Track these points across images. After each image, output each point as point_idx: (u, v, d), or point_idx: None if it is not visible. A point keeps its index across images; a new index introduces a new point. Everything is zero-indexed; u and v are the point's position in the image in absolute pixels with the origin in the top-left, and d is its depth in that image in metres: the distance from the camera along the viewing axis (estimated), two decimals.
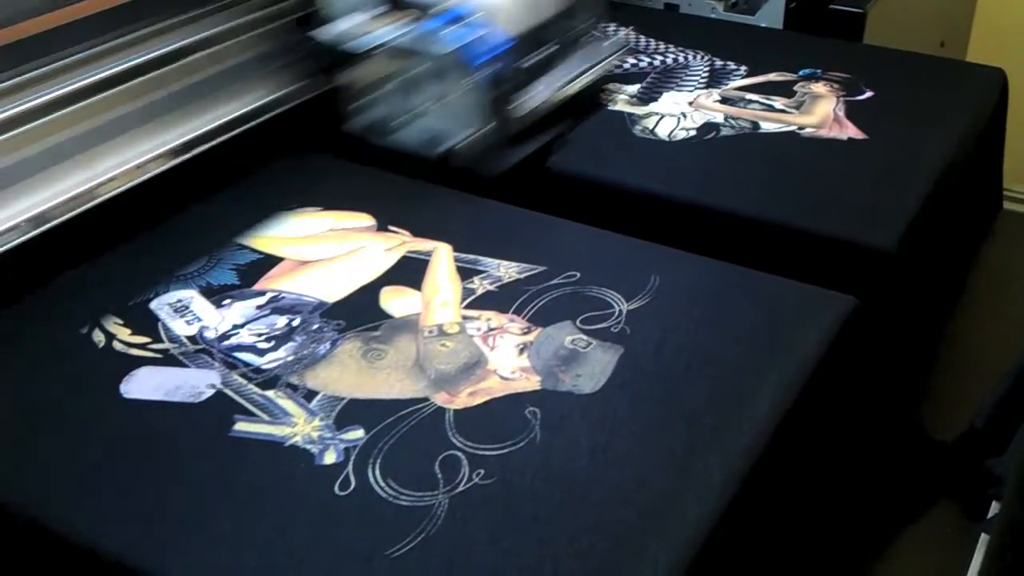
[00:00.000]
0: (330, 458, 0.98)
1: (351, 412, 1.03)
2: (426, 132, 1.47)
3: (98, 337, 1.15)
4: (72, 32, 1.29)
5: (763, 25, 1.93)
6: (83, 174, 1.30)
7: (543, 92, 1.50)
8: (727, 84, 1.68)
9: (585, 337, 1.13)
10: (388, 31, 1.43)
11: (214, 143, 1.43)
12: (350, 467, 0.97)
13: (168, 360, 1.11)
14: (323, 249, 1.29)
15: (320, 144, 1.56)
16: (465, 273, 1.24)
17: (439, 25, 1.40)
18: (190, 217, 1.37)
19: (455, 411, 1.03)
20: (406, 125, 1.48)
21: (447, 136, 1.45)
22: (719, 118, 1.57)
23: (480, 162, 1.44)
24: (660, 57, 1.78)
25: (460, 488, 0.94)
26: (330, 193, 1.41)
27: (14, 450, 1.02)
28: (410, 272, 1.24)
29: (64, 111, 1.27)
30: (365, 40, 1.43)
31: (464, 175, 1.43)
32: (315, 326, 1.16)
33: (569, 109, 1.56)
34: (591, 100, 1.62)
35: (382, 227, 1.33)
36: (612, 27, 1.80)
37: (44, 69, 1.25)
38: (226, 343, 1.13)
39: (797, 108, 1.60)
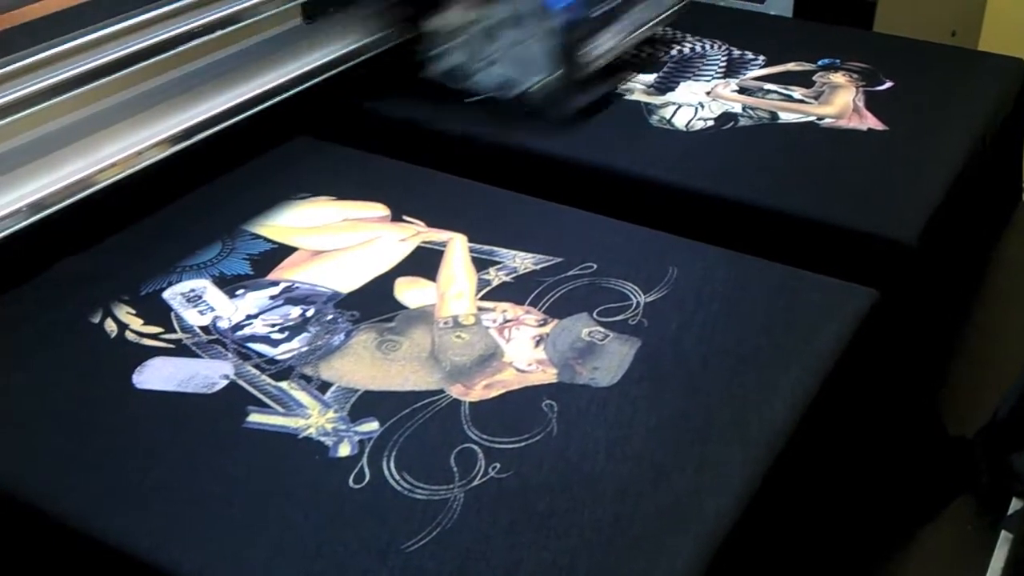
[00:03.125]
0: (344, 450, 0.97)
1: (365, 404, 1.02)
2: (501, 77, 1.56)
3: (110, 327, 1.14)
4: (76, 16, 1.28)
5: (772, 13, 1.91)
6: (86, 160, 1.29)
7: (609, 41, 1.56)
8: (745, 74, 1.66)
9: (602, 329, 1.12)
10: None
11: (231, 123, 1.43)
12: (365, 460, 0.96)
13: (181, 350, 1.10)
14: (337, 239, 1.28)
15: (336, 129, 1.56)
16: (480, 264, 1.23)
17: None
18: (197, 205, 1.36)
19: (471, 403, 1.02)
20: (482, 71, 1.56)
21: (520, 81, 1.54)
22: (737, 108, 1.56)
23: (551, 105, 1.52)
24: (677, 47, 1.77)
25: (476, 482, 0.93)
26: (344, 182, 1.40)
27: (26, 440, 1.01)
28: (425, 263, 1.23)
29: (66, 95, 1.25)
30: None
31: (536, 116, 1.52)
32: (329, 317, 1.15)
33: (631, 60, 1.66)
34: (649, 55, 1.72)
35: (396, 217, 1.32)
36: None
37: (55, 51, 1.24)
38: (239, 333, 1.12)
39: (816, 98, 1.58)
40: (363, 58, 1.63)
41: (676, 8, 1.72)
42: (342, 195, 1.37)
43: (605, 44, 1.56)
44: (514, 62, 1.54)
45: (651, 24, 1.67)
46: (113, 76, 1.29)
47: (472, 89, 1.58)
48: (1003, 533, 1.21)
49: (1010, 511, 1.25)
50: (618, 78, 1.62)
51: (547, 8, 1.48)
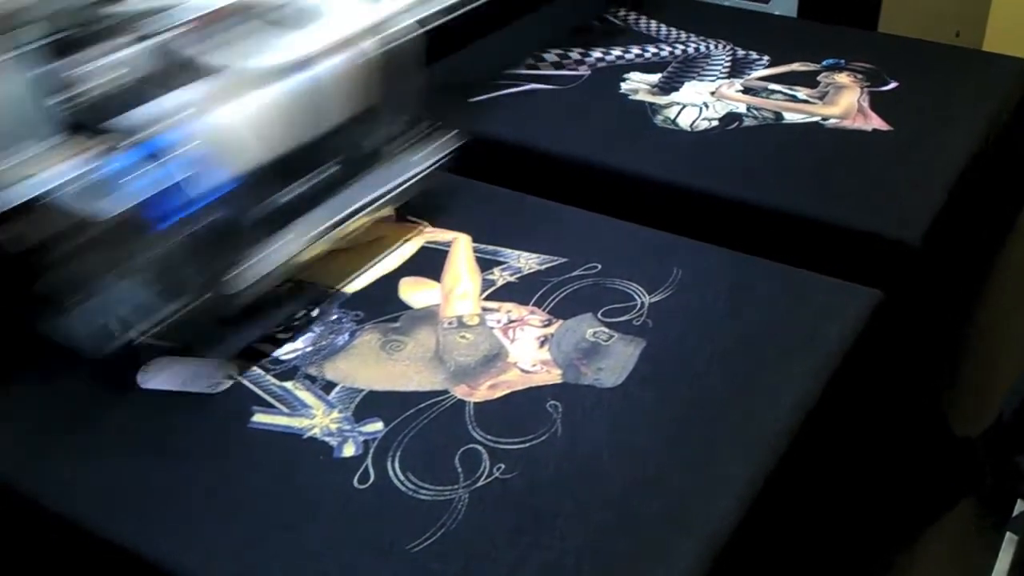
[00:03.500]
0: (349, 451, 0.97)
1: (370, 404, 1.02)
2: (103, 314, 1.04)
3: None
4: None
5: (777, 13, 1.91)
6: None
7: (288, 245, 1.09)
8: (749, 74, 1.66)
9: (607, 330, 1.12)
10: (60, 173, 0.98)
11: None
12: (369, 460, 0.96)
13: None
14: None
15: None
16: (485, 264, 1.23)
17: (130, 164, 0.98)
18: None
19: (475, 404, 1.02)
20: (79, 305, 1.04)
21: (131, 320, 1.05)
22: (742, 108, 1.56)
23: (198, 341, 1.09)
24: (681, 46, 1.77)
25: (481, 482, 0.93)
26: None
27: (31, 439, 1.01)
28: (429, 263, 1.23)
29: None
30: (23, 188, 0.97)
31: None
32: (333, 317, 1.15)
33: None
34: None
35: (401, 217, 1.32)
36: (435, 125, 1.32)
37: None
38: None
39: (821, 99, 1.58)
40: None
41: (410, 184, 1.24)
42: None
43: (284, 249, 1.09)
44: (123, 293, 1.04)
45: (365, 210, 1.18)
46: None
47: (61, 335, 1.04)
48: (1008, 535, 1.21)
49: (1015, 512, 1.25)
50: (299, 304, 1.16)
51: (162, 217, 0.98)
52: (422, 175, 1.24)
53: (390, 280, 1.20)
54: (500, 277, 1.20)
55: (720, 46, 1.76)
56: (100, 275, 1.02)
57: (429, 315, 1.14)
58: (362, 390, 1.04)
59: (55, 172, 0.97)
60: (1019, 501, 1.26)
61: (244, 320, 1.09)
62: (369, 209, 1.17)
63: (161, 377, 1.07)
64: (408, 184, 1.22)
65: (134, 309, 1.04)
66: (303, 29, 1.13)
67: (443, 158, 1.27)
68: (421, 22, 1.25)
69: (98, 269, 1.02)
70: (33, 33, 0.99)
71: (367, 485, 0.93)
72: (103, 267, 1.01)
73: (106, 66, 1.00)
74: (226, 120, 1.04)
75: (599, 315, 1.14)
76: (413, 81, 1.24)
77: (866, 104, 1.56)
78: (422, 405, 1.02)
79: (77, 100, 1.00)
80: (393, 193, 1.20)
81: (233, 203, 1.03)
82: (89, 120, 1.00)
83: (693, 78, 1.66)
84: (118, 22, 1.02)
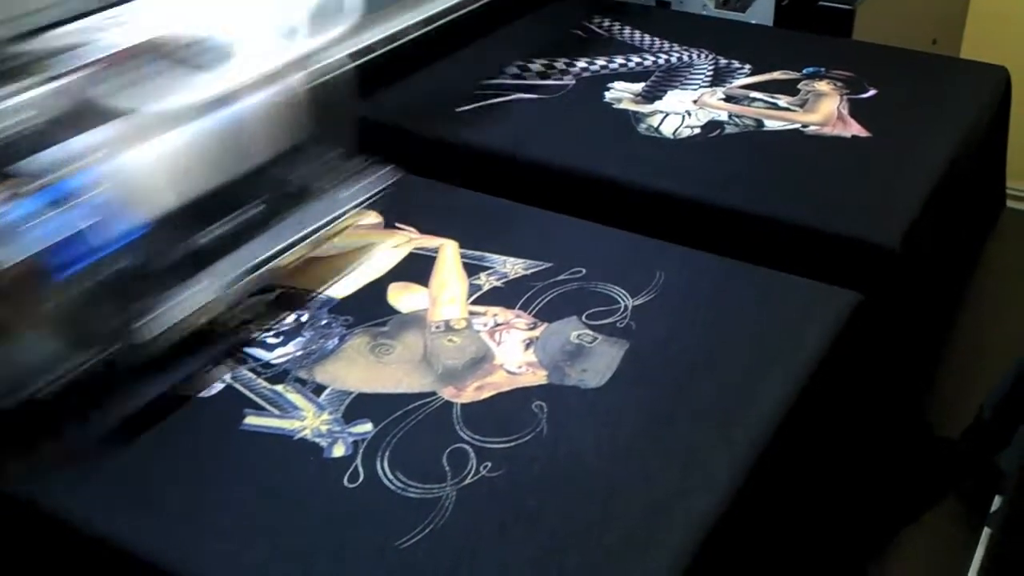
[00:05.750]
0: (339, 451, 0.99)
1: (359, 406, 1.04)
2: (10, 366, 0.97)
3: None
4: None
5: (753, 22, 1.94)
6: None
7: (201, 292, 1.05)
8: (731, 82, 1.68)
9: (591, 332, 1.14)
10: None
11: None
12: (359, 460, 0.98)
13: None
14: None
15: None
16: (472, 270, 1.25)
17: (34, 209, 0.94)
18: None
19: (462, 405, 1.04)
20: None
21: (38, 372, 0.98)
22: (723, 116, 1.58)
23: (90, 408, 1.02)
24: (664, 56, 1.79)
25: (468, 480, 0.95)
26: None
27: (23, 445, 1.03)
28: (417, 269, 1.25)
29: None
30: None
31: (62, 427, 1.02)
32: (323, 322, 1.17)
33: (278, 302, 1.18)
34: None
35: (389, 224, 1.34)
36: (369, 160, 1.26)
37: None
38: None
39: (801, 106, 1.60)
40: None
41: (338, 220, 1.20)
42: None
43: (190, 301, 1.04)
44: (29, 345, 0.98)
45: (289, 251, 1.14)
46: None
47: None
48: (986, 530, 1.23)
49: (992, 509, 1.28)
50: (224, 345, 1.12)
51: (65, 264, 0.94)
52: (350, 212, 1.19)
53: (379, 285, 1.23)
54: (487, 282, 1.22)
55: (703, 55, 1.78)
56: (2, 326, 0.96)
57: (417, 319, 1.17)
58: (352, 392, 1.06)
59: None
60: (997, 498, 1.28)
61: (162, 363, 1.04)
62: (294, 249, 1.13)
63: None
64: (335, 221, 1.18)
65: (39, 361, 0.97)
66: (216, 68, 1.08)
67: (374, 195, 1.22)
68: (352, 56, 1.23)
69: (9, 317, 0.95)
70: None
71: (357, 484, 0.95)
72: (5, 317, 0.95)
73: (13, 107, 0.94)
74: (135, 163, 1.00)
75: (583, 318, 1.16)
76: (345, 116, 1.21)
77: (846, 111, 1.58)
78: (410, 406, 1.04)
79: None
80: (320, 231, 1.17)
81: (143, 248, 0.99)
82: None
83: (676, 87, 1.68)
84: (26, 61, 0.97)
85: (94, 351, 0.98)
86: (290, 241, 1.13)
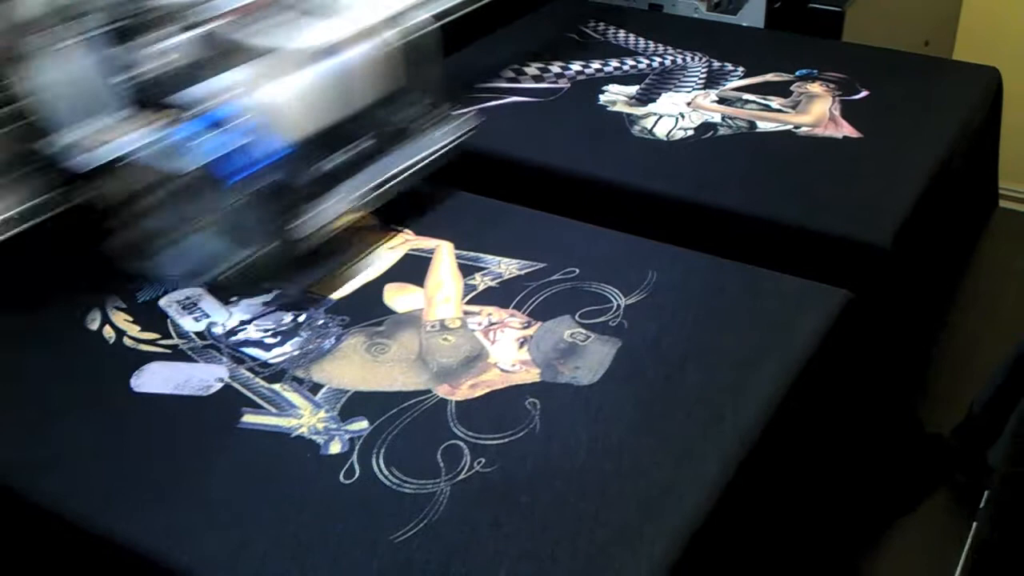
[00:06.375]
0: (335, 448, 1.00)
1: (355, 404, 1.06)
2: (192, 256, 1.24)
3: (108, 333, 1.18)
4: None
5: (745, 24, 1.96)
6: None
7: (338, 204, 1.25)
8: (725, 85, 1.70)
9: (584, 331, 1.15)
10: (133, 140, 1.15)
11: None
12: (355, 456, 0.99)
13: (177, 355, 1.14)
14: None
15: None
16: (467, 270, 1.26)
17: (196, 131, 1.14)
18: None
19: (456, 402, 1.06)
20: (168, 248, 1.24)
21: (214, 261, 1.23)
22: (716, 118, 1.60)
23: (262, 283, 1.24)
24: (659, 59, 1.81)
25: (462, 476, 0.97)
26: None
27: (30, 442, 1.05)
28: (413, 269, 1.27)
29: None
30: (103, 152, 1.15)
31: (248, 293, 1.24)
32: (320, 322, 1.18)
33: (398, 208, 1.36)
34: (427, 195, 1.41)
35: (385, 226, 1.36)
36: (456, 107, 1.50)
37: None
38: (234, 339, 1.16)
39: (793, 108, 1.62)
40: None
41: (454, 142, 1.41)
42: None
43: (333, 208, 1.24)
44: (207, 238, 1.23)
45: (398, 178, 1.33)
46: None
47: (154, 273, 1.26)
48: (975, 525, 1.24)
49: (982, 504, 1.29)
50: (369, 243, 1.32)
51: (228, 175, 1.16)
52: (445, 149, 1.39)
53: (375, 286, 1.24)
54: (481, 282, 1.24)
55: (696, 58, 1.80)
56: (181, 223, 1.21)
57: (412, 319, 1.18)
58: (348, 391, 1.08)
59: (131, 138, 1.15)
60: (987, 493, 1.29)
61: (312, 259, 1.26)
62: (401, 177, 1.33)
63: (154, 381, 1.10)
64: (434, 157, 1.38)
65: (212, 253, 1.23)
66: (329, 19, 1.29)
67: (463, 135, 1.42)
68: (436, 16, 1.39)
69: (179, 218, 1.20)
70: (94, 21, 1.15)
71: (353, 480, 0.97)
72: (183, 216, 1.20)
73: (161, 50, 1.16)
74: (275, 96, 1.18)
75: (576, 317, 1.17)
76: (431, 68, 1.38)
77: (837, 112, 1.60)
78: (405, 404, 1.05)
79: (139, 79, 1.16)
80: (422, 164, 1.36)
81: (288, 167, 1.19)
82: (151, 97, 1.17)
83: (670, 89, 1.70)
84: (165, 13, 1.17)
85: (258, 246, 1.21)
86: (398, 170, 1.33)
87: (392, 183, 1.32)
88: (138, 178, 1.18)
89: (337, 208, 1.25)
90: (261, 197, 1.17)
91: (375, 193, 1.29)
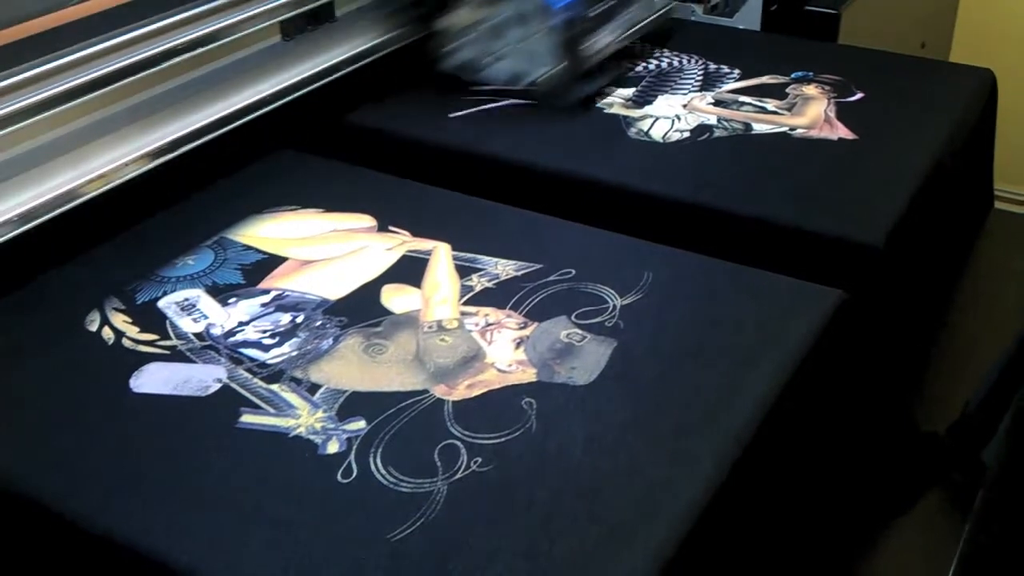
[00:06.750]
0: (333, 448, 1.01)
1: (353, 404, 1.07)
2: (509, 70, 1.71)
3: (107, 334, 1.18)
4: (66, 33, 1.32)
5: (741, 27, 1.97)
6: (73, 172, 1.34)
7: (607, 37, 1.73)
8: (721, 87, 1.71)
9: (580, 331, 1.16)
10: None
11: (215, 135, 1.49)
12: (352, 456, 1.00)
13: (176, 356, 1.15)
14: (326, 249, 1.32)
15: (318, 142, 1.60)
16: (464, 271, 1.27)
17: None
18: (184, 216, 1.42)
19: (453, 402, 1.06)
20: (492, 65, 1.73)
21: (527, 73, 1.70)
22: (712, 120, 1.61)
23: (556, 95, 1.68)
24: (655, 61, 1.82)
25: (458, 475, 0.97)
26: (332, 195, 1.45)
27: (29, 442, 1.06)
28: (410, 271, 1.28)
29: (54, 110, 1.29)
30: None
31: (544, 104, 1.68)
32: (318, 323, 1.19)
33: (625, 54, 1.82)
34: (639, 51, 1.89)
35: (383, 228, 1.37)
36: None
37: (45, 67, 1.28)
38: (232, 339, 1.17)
39: (789, 110, 1.63)
40: (346, 71, 1.70)
41: (665, 10, 1.88)
42: (329, 207, 1.41)
43: (603, 40, 1.71)
44: (521, 56, 1.69)
45: (643, 23, 1.82)
46: (100, 91, 1.33)
47: (483, 81, 1.73)
48: (969, 524, 1.25)
49: (977, 503, 1.30)
50: (615, 71, 1.77)
51: (549, 7, 1.64)
52: (663, 11, 1.88)
53: (373, 287, 1.25)
54: (478, 283, 1.25)
55: (692, 60, 1.81)
56: (510, 42, 1.69)
57: (410, 320, 1.19)
58: (345, 391, 1.08)
59: None
60: (982, 492, 1.30)
61: (593, 75, 1.71)
62: (646, 21, 1.83)
63: (153, 382, 1.11)
64: (664, 10, 1.88)
65: (529, 66, 1.70)
66: None
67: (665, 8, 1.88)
68: None
69: (509, 39, 1.69)
70: None
71: (350, 479, 0.98)
72: (513, 37, 1.69)
73: None
74: None
75: (573, 317, 1.18)
76: None
77: (833, 114, 1.61)
78: (403, 404, 1.06)
79: None
80: (658, 14, 1.86)
81: (578, 6, 1.65)
82: None
83: (666, 92, 1.71)
84: None
85: (556, 62, 1.67)
86: (637, 21, 1.81)
87: (640, 25, 1.80)
88: (478, 10, 1.69)
89: (607, 39, 1.71)
90: (563, 27, 1.63)
91: (630, 30, 1.78)
